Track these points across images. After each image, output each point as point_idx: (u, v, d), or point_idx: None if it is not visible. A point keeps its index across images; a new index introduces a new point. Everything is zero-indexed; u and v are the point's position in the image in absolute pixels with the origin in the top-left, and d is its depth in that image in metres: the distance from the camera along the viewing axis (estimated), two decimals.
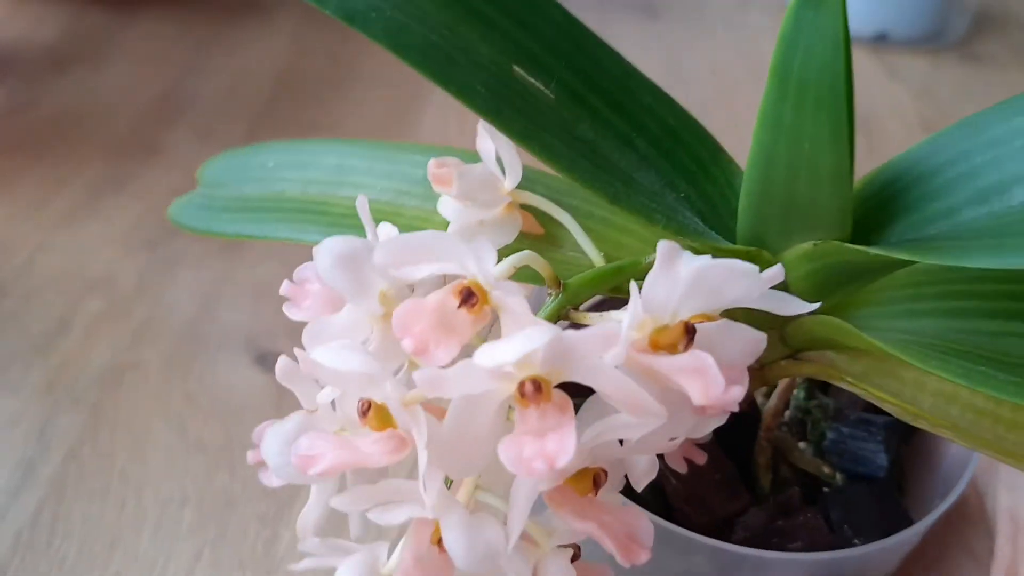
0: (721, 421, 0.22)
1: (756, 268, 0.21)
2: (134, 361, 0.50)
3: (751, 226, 0.26)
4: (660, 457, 0.29)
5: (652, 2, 0.90)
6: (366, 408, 0.22)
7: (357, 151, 0.31)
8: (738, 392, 0.20)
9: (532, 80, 0.25)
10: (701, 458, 0.28)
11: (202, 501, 0.42)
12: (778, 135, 0.24)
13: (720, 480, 0.30)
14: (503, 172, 0.27)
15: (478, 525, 0.21)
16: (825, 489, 0.31)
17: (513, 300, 0.21)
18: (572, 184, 0.27)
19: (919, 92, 0.76)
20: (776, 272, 0.21)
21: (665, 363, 0.20)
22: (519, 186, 0.27)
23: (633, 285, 0.20)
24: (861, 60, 0.80)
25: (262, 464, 0.25)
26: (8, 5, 0.87)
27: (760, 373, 0.28)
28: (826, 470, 0.31)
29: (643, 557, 0.22)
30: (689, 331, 0.20)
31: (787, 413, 0.32)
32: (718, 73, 0.77)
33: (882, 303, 0.27)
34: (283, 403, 0.47)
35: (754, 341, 0.22)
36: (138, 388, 0.49)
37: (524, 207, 0.27)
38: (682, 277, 0.21)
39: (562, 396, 0.20)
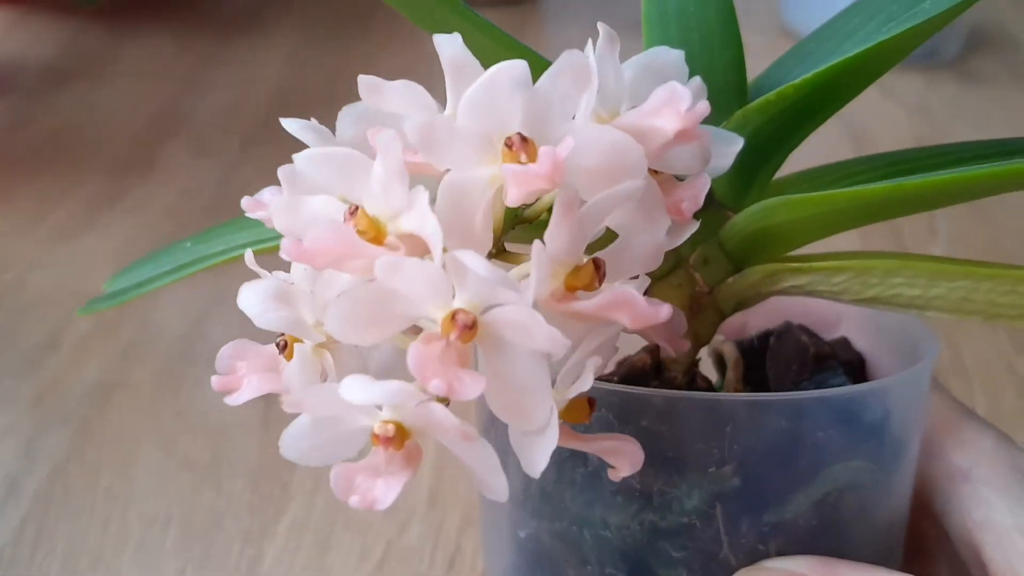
0: (695, 226, 0.23)
1: (683, 54, 0.22)
2: (123, 379, 0.50)
3: None
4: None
5: None
6: (353, 210, 0.20)
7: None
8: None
9: None
10: (684, 346, 0.26)
11: (187, 520, 0.42)
12: (666, 22, 0.27)
13: None
14: None
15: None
16: None
17: None
18: None
19: (913, 110, 0.76)
20: (698, 83, 0.23)
21: (634, 116, 0.21)
22: None
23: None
24: None
25: (228, 388, 0.23)
26: (7, 21, 0.88)
27: (711, 299, 0.28)
28: None
29: (664, 314, 0.20)
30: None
31: None
32: None
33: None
34: (270, 422, 0.47)
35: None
36: (126, 406, 0.49)
37: None
38: (625, 73, 0.22)
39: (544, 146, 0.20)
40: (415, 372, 0.19)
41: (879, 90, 0.78)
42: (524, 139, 0.20)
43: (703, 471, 0.25)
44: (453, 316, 0.19)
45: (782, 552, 0.26)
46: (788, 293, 0.27)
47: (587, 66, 0.20)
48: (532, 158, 0.20)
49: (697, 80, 0.24)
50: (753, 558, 0.26)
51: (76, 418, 0.48)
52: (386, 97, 0.22)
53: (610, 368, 0.30)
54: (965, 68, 0.84)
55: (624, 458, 0.22)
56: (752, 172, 0.27)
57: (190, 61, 0.83)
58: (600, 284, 0.21)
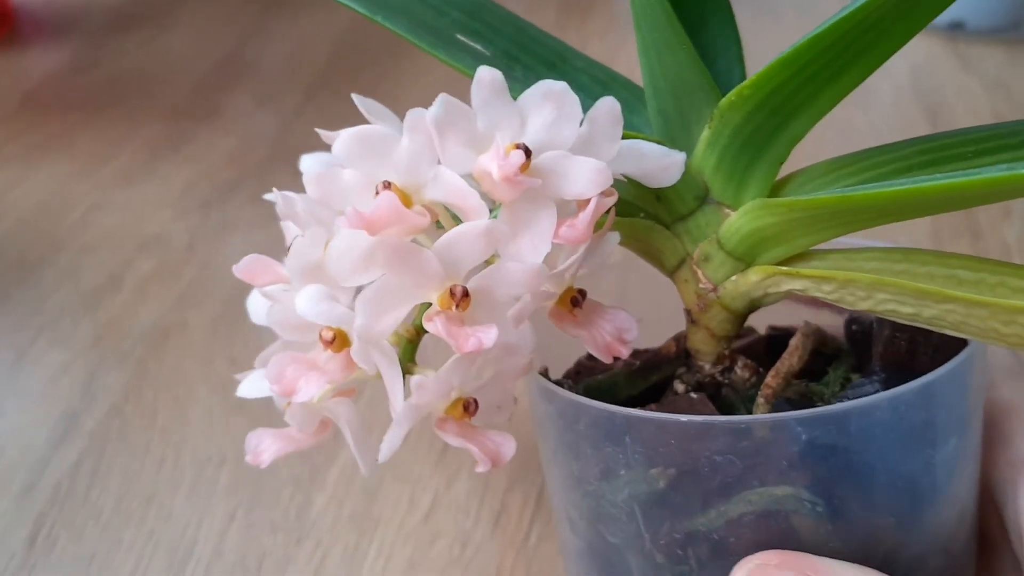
0: (580, 250, 0.25)
1: (566, 85, 0.24)
2: (181, 322, 0.51)
3: (669, 143, 0.28)
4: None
5: None
6: (387, 184, 0.24)
7: None
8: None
9: (473, 44, 0.28)
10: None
11: (239, 463, 0.43)
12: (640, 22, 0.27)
13: None
14: None
15: None
16: None
17: None
18: None
19: (993, 84, 0.73)
20: (607, 106, 0.24)
21: None
22: None
23: None
24: (934, 49, 0.77)
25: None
26: None
27: (718, 299, 0.28)
28: None
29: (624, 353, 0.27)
30: None
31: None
32: None
33: (807, 193, 0.27)
34: None
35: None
36: (183, 348, 0.49)
37: None
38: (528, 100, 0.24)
39: None
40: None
41: (959, 62, 0.76)
42: (466, 293, 0.23)
43: (623, 473, 0.27)
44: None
45: (700, 558, 0.27)
46: (793, 296, 0.27)
47: (426, 126, 0.23)
48: (464, 308, 0.24)
49: (606, 103, 0.24)
50: (671, 557, 0.28)
51: (134, 359, 0.48)
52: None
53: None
54: None
55: (481, 457, 0.25)
56: (747, 168, 0.27)
57: (254, 9, 0.83)
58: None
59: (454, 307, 0.23)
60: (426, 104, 0.25)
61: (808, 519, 0.26)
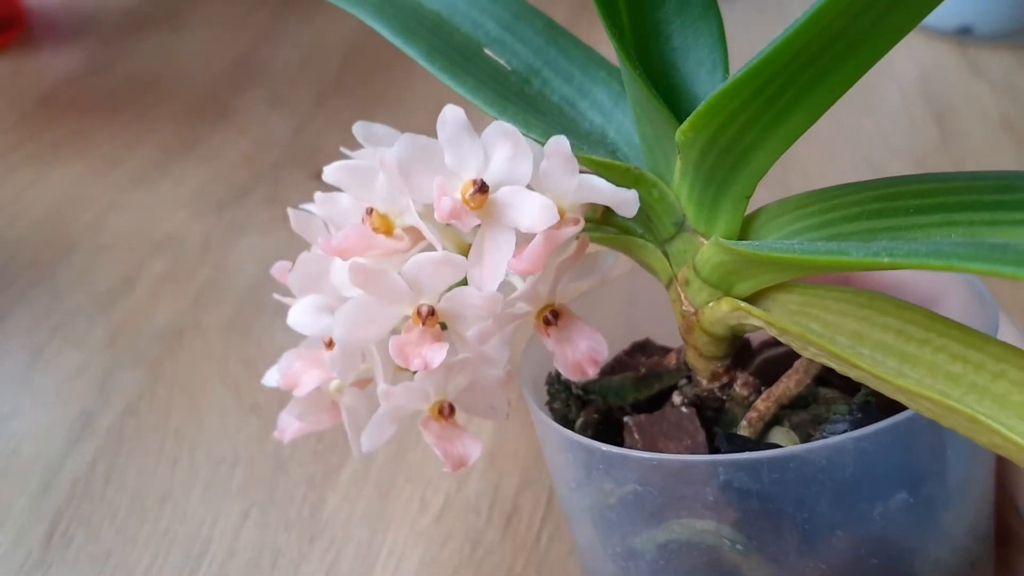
0: (535, 279, 0.26)
1: (514, 128, 0.25)
2: (195, 322, 0.51)
3: (653, 168, 0.28)
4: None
5: None
6: (370, 211, 0.26)
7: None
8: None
9: (497, 58, 0.29)
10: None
11: (253, 463, 0.43)
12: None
13: (689, 447, 0.28)
14: None
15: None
16: None
17: None
18: None
19: (1001, 88, 0.73)
20: (560, 142, 0.24)
21: None
22: None
23: None
24: (942, 54, 0.77)
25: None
26: None
27: (696, 321, 0.28)
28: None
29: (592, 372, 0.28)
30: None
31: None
32: None
33: (772, 232, 0.27)
34: None
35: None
36: (197, 349, 0.49)
37: None
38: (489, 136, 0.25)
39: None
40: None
41: (967, 66, 0.76)
42: (432, 312, 0.25)
43: (577, 485, 0.29)
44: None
45: (642, 573, 0.28)
46: (759, 329, 0.27)
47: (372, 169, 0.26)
48: (431, 325, 0.25)
49: (556, 141, 0.25)
50: (620, 568, 0.29)
51: (148, 359, 0.49)
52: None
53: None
54: None
55: (446, 458, 0.28)
56: (714, 201, 0.27)
57: (267, 12, 0.83)
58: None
59: (421, 324, 0.25)
60: (436, 110, 0.25)
61: (731, 555, 0.27)
